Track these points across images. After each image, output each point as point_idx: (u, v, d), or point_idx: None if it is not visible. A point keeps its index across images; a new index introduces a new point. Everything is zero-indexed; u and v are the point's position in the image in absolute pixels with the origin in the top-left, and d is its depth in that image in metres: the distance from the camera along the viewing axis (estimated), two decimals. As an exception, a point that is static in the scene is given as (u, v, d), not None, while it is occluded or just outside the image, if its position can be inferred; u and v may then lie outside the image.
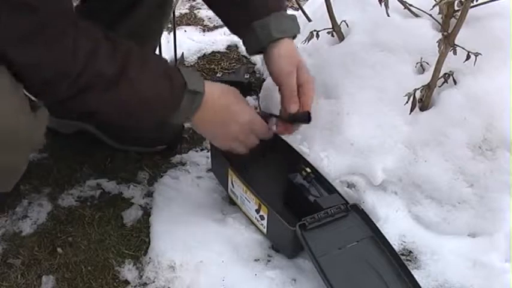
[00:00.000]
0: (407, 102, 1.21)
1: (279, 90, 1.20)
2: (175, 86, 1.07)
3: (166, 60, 1.22)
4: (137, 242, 1.25)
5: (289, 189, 1.26)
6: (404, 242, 1.22)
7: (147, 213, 1.31)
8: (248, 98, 1.62)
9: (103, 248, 1.24)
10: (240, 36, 1.25)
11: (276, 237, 1.21)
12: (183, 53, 1.77)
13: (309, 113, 1.16)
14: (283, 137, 1.35)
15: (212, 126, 1.16)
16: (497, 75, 1.23)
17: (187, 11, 2.06)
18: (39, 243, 1.25)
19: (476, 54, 1.16)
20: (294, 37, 1.21)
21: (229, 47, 1.88)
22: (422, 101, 1.26)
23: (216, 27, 1.98)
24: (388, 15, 1.25)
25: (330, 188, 1.24)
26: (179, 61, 1.72)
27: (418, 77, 1.29)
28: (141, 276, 1.18)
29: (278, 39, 1.17)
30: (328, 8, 1.38)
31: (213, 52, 1.85)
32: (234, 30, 1.26)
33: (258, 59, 1.77)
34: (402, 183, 1.25)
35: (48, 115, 1.06)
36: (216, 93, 1.13)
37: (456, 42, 1.16)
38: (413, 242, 1.21)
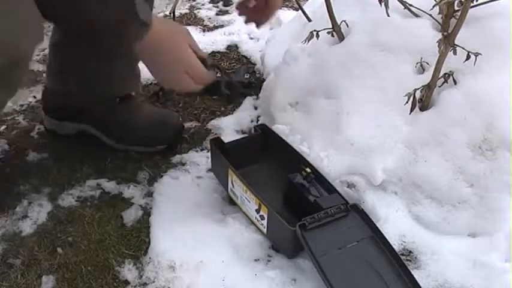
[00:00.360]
0: (407, 102, 1.21)
1: None
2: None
3: None
4: (137, 242, 1.25)
5: (289, 189, 1.26)
6: (404, 242, 1.22)
7: (147, 213, 1.31)
8: (248, 98, 1.62)
9: (103, 248, 1.24)
10: None
11: (276, 237, 1.21)
12: None
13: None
14: (284, 137, 1.35)
15: (153, 53, 1.15)
16: (497, 75, 1.23)
17: (187, 11, 2.06)
18: (39, 243, 1.25)
19: (476, 54, 1.16)
20: None
21: (229, 47, 1.88)
22: (422, 101, 1.26)
23: (216, 27, 1.98)
24: (388, 15, 1.25)
25: (330, 188, 1.24)
26: None
27: (418, 77, 1.29)
28: (141, 276, 1.18)
29: None
30: (328, 8, 1.38)
31: (213, 52, 1.85)
32: None
33: (258, 58, 1.77)
34: (402, 183, 1.25)
35: None
36: (164, 30, 1.15)
37: (456, 42, 1.16)
38: (413, 242, 1.21)
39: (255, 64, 1.79)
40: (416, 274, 1.12)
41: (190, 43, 1.19)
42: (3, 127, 1.54)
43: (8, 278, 1.17)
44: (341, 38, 1.42)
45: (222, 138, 1.35)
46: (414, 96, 1.21)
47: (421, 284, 1.09)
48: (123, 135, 1.45)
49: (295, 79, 1.43)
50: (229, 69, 1.77)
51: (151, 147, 1.47)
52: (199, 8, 2.09)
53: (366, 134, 1.29)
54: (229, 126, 1.53)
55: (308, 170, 1.24)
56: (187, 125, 1.56)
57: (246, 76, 1.70)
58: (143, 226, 1.28)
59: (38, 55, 1.78)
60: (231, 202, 1.31)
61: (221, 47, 1.88)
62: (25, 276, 1.18)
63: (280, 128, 1.39)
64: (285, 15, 1.96)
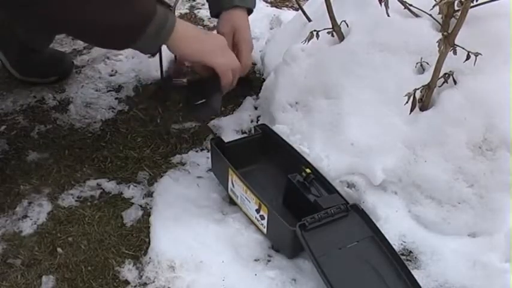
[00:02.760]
0: (407, 102, 1.21)
1: None
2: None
3: None
4: (137, 242, 1.25)
5: (289, 189, 1.26)
6: (404, 242, 1.22)
7: (147, 213, 1.31)
8: (248, 98, 1.62)
9: (103, 248, 1.24)
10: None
11: (276, 237, 1.21)
12: None
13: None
14: (284, 137, 1.35)
15: (188, 42, 1.24)
16: (497, 75, 1.23)
17: (187, 11, 2.06)
18: (39, 243, 1.25)
19: (476, 54, 1.16)
20: (249, 11, 1.44)
21: (229, 47, 1.88)
22: (422, 101, 1.26)
23: (216, 27, 1.98)
24: (388, 15, 1.25)
25: (330, 188, 1.24)
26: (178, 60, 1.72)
27: (418, 77, 1.29)
28: (141, 276, 1.18)
29: (233, 7, 1.40)
30: (328, 8, 1.38)
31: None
32: None
33: (258, 58, 1.77)
34: (402, 183, 1.25)
35: None
36: (189, 25, 1.27)
37: (456, 42, 1.16)
38: (413, 242, 1.21)
39: (255, 64, 1.79)
40: (416, 274, 1.12)
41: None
42: (3, 127, 1.54)
43: (8, 278, 1.17)
44: (341, 38, 1.42)
45: (222, 138, 1.35)
46: (414, 96, 1.21)
47: (421, 284, 1.09)
48: (25, 65, 1.64)
49: (295, 79, 1.43)
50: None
51: (46, 78, 1.66)
52: (199, 8, 2.09)
53: (366, 134, 1.29)
54: (229, 126, 1.53)
55: (308, 170, 1.24)
56: (187, 125, 1.56)
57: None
58: (143, 226, 1.28)
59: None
60: (231, 202, 1.31)
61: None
62: (25, 276, 1.18)
63: (280, 128, 1.39)
64: (285, 15, 1.96)
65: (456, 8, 1.17)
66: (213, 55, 1.27)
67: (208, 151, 1.44)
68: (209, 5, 1.50)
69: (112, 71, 1.73)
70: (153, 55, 1.27)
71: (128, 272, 1.19)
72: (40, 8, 1.08)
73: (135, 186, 1.38)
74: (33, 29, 1.52)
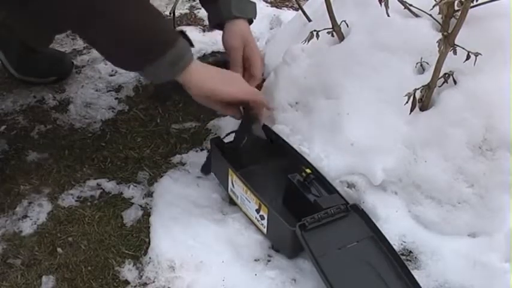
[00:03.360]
0: (407, 102, 1.21)
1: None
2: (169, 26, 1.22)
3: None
4: (137, 242, 1.25)
5: (289, 189, 1.26)
6: (404, 242, 1.22)
7: (147, 213, 1.31)
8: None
9: (103, 248, 1.24)
10: (206, 10, 1.47)
11: (276, 237, 1.21)
12: None
13: None
14: (284, 137, 1.35)
15: (202, 81, 1.23)
16: (497, 75, 1.23)
17: (187, 11, 2.06)
18: (39, 243, 1.25)
19: (476, 54, 1.15)
20: (250, 21, 1.42)
21: (229, 47, 1.88)
22: (422, 101, 1.26)
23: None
24: (388, 15, 1.25)
25: (330, 188, 1.24)
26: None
27: (418, 77, 1.28)
28: (141, 276, 1.18)
29: (235, 18, 1.37)
30: (328, 8, 1.38)
31: (213, 52, 1.84)
32: (203, 3, 1.48)
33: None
34: (402, 183, 1.25)
35: None
36: (203, 68, 1.24)
37: (456, 42, 1.16)
38: (413, 242, 1.21)
39: (256, 64, 1.79)
40: (416, 274, 1.12)
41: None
42: (3, 127, 1.54)
43: (8, 278, 1.17)
44: (341, 38, 1.42)
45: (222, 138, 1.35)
46: (414, 96, 1.21)
47: (421, 284, 1.09)
48: (23, 65, 1.64)
49: (295, 79, 1.43)
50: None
51: (45, 78, 1.65)
52: (199, 8, 2.09)
53: (366, 134, 1.29)
54: (229, 127, 1.53)
55: (308, 170, 1.24)
56: (187, 125, 1.56)
57: None
58: (143, 226, 1.28)
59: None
60: (231, 202, 1.31)
61: (221, 47, 1.86)
62: (25, 276, 1.18)
63: (280, 128, 1.39)
64: (285, 15, 1.96)
65: (456, 8, 1.17)
66: (230, 84, 1.27)
67: (208, 151, 1.44)
68: (209, 15, 1.48)
69: (112, 71, 1.73)
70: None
71: (128, 272, 1.19)
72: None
73: (135, 186, 1.38)
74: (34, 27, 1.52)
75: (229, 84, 1.27)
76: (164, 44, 1.15)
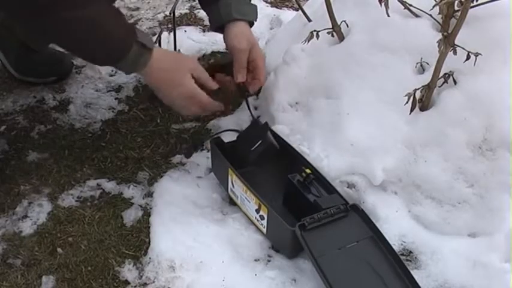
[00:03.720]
0: (407, 102, 1.21)
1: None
2: (128, 29, 1.22)
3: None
4: (137, 242, 1.25)
5: (289, 189, 1.26)
6: (404, 242, 1.22)
7: (147, 213, 1.31)
8: (248, 98, 1.62)
9: (103, 248, 1.24)
10: (207, 13, 1.47)
11: (275, 237, 1.21)
12: (179, 50, 1.77)
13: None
14: (284, 137, 1.35)
15: (158, 83, 1.29)
16: (497, 75, 1.23)
17: (187, 11, 2.06)
18: (39, 243, 1.25)
19: (476, 54, 1.15)
20: (251, 24, 1.41)
21: (229, 47, 1.88)
22: (422, 101, 1.26)
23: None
24: (388, 15, 1.25)
25: (329, 188, 1.24)
26: None
27: (418, 77, 1.29)
28: (141, 276, 1.18)
29: (236, 20, 1.37)
30: (328, 8, 1.38)
31: (213, 52, 1.84)
32: (203, 5, 1.48)
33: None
34: (402, 183, 1.25)
35: None
36: (167, 56, 1.28)
37: (456, 42, 1.16)
38: (413, 242, 1.21)
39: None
40: (416, 274, 1.12)
41: (195, 74, 1.29)
42: (3, 127, 1.54)
43: (8, 278, 1.17)
44: (341, 38, 1.42)
45: (222, 138, 1.35)
46: (414, 96, 1.21)
47: (421, 284, 1.09)
48: (22, 65, 1.65)
49: (295, 79, 1.43)
50: None
51: (44, 78, 1.66)
52: (199, 8, 2.08)
53: (366, 134, 1.29)
54: (229, 126, 1.52)
55: (308, 170, 1.24)
56: (187, 125, 1.56)
57: None
58: (143, 226, 1.28)
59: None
60: (231, 202, 1.31)
61: (221, 47, 1.87)
62: (25, 276, 1.18)
63: (280, 128, 1.39)
64: (285, 15, 1.96)
65: (456, 8, 1.17)
66: (176, 108, 1.34)
67: (208, 151, 1.44)
68: (209, 17, 1.47)
69: (112, 71, 1.72)
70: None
71: (128, 272, 1.19)
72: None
73: (135, 186, 1.38)
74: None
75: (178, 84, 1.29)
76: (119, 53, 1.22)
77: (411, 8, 1.34)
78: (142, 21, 1.98)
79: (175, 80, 1.28)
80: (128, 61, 1.22)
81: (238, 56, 1.36)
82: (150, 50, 1.23)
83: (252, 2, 1.44)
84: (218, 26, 1.41)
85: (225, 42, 1.40)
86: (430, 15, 1.27)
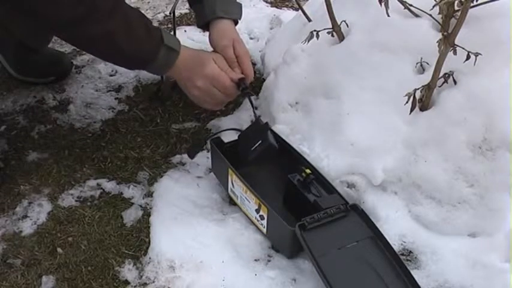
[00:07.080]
0: (407, 102, 1.21)
1: None
2: (153, 37, 1.25)
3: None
4: (137, 242, 1.25)
5: (289, 189, 1.26)
6: (404, 242, 1.22)
7: (147, 213, 1.31)
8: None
9: (103, 248, 1.24)
10: (194, 10, 1.50)
11: (275, 237, 1.21)
12: None
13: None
14: (284, 137, 1.35)
15: (183, 73, 1.32)
16: (497, 75, 1.23)
17: (187, 11, 2.06)
18: (39, 243, 1.25)
19: (476, 54, 1.15)
20: (236, 22, 1.43)
21: (229, 47, 1.88)
22: (422, 101, 1.26)
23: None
24: (388, 15, 1.25)
25: (329, 188, 1.24)
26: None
27: (418, 77, 1.29)
28: (141, 276, 1.18)
29: (220, 18, 1.39)
30: (328, 8, 1.38)
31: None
32: (191, 3, 1.49)
33: (258, 58, 1.77)
34: (402, 183, 1.25)
35: None
36: (190, 54, 1.32)
37: (456, 42, 1.16)
38: (413, 242, 1.21)
39: (255, 64, 1.79)
40: (416, 274, 1.12)
41: (217, 62, 1.33)
42: (3, 127, 1.54)
43: (8, 278, 1.18)
44: (341, 38, 1.42)
45: (222, 138, 1.35)
46: (414, 96, 1.21)
47: (421, 284, 1.09)
48: (22, 66, 1.66)
49: (295, 79, 1.43)
50: None
51: (44, 78, 1.67)
52: (199, 8, 2.09)
53: (366, 134, 1.29)
54: (229, 126, 1.53)
55: (308, 170, 1.24)
56: (187, 125, 1.56)
57: None
58: (143, 226, 1.28)
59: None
60: (231, 202, 1.31)
61: (221, 47, 1.87)
62: (25, 276, 1.18)
63: (280, 128, 1.39)
64: (285, 15, 1.96)
65: (456, 8, 1.17)
66: (201, 97, 1.35)
67: (208, 151, 1.44)
68: (195, 15, 1.50)
69: (112, 71, 1.73)
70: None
71: (128, 272, 1.19)
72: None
73: (135, 186, 1.38)
74: (32, 27, 1.53)
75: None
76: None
77: (411, 7, 1.34)
78: (142, 21, 1.98)
79: (200, 63, 1.31)
80: (157, 64, 1.27)
81: (223, 53, 1.37)
82: (177, 53, 1.28)
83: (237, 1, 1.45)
84: (203, 23, 1.43)
85: (208, 39, 1.42)
86: (430, 15, 1.27)
